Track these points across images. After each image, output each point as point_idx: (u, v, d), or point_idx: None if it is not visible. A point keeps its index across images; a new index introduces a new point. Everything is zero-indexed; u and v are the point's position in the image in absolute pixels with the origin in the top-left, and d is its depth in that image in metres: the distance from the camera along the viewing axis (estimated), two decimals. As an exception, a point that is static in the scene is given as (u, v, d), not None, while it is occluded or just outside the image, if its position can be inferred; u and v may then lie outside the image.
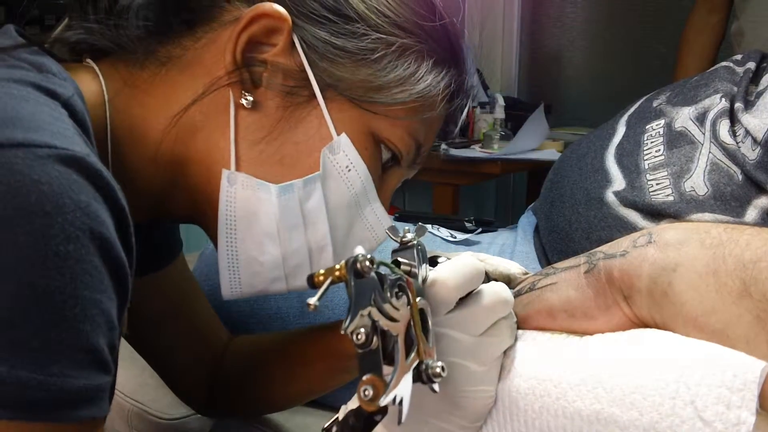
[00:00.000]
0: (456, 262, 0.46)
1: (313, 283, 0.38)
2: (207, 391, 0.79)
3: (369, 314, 0.37)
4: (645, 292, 0.45)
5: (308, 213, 0.56)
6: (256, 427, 0.89)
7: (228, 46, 0.54)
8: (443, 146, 2.10)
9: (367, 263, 0.37)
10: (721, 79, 0.75)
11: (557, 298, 0.50)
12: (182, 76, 0.55)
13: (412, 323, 0.40)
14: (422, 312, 0.42)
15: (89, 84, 0.54)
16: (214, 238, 0.58)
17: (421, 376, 0.40)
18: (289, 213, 0.56)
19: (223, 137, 0.55)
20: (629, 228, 0.71)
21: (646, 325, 0.47)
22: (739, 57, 0.80)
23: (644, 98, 0.84)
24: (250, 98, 0.55)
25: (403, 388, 0.38)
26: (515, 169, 2.38)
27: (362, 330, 0.37)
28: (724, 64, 0.80)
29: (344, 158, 0.56)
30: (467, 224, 1.00)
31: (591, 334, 0.49)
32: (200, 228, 0.62)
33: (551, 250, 0.84)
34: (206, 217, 0.58)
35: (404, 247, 0.47)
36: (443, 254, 0.55)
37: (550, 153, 2.12)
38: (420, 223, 0.49)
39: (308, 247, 0.57)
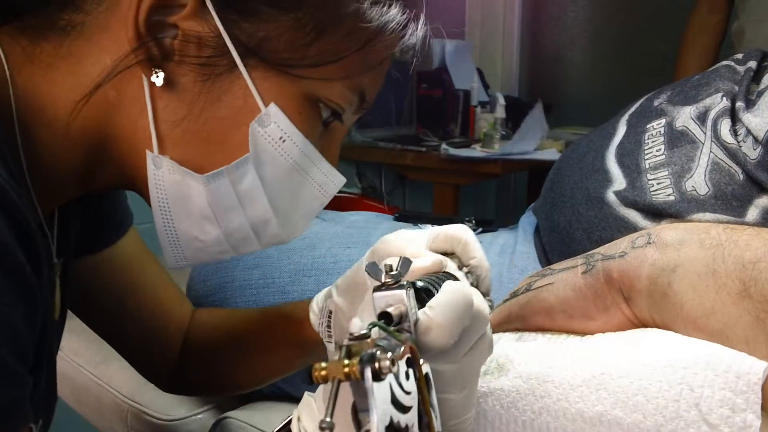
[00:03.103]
0: (447, 298, 0.39)
1: (311, 379, 0.32)
2: (172, 366, 0.77)
3: (390, 419, 0.32)
4: (645, 293, 0.45)
5: (243, 194, 0.53)
6: (255, 428, 0.89)
7: (129, 15, 0.48)
8: (444, 146, 2.10)
9: (387, 363, 0.31)
10: (722, 78, 0.75)
11: (555, 298, 0.49)
12: (88, 46, 0.50)
13: (420, 399, 0.35)
14: (426, 377, 0.37)
15: None
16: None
17: None
18: (222, 197, 0.53)
19: (142, 116, 0.51)
20: (630, 228, 0.70)
21: (645, 326, 0.47)
22: (740, 56, 0.80)
23: (645, 97, 0.84)
24: (162, 75, 0.50)
25: None
26: (515, 169, 2.38)
27: None
28: (725, 63, 0.79)
29: (276, 129, 0.52)
30: (467, 224, 1.00)
31: (591, 334, 0.49)
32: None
33: (552, 250, 0.84)
34: (139, 190, 0.55)
35: (388, 286, 0.39)
36: (409, 254, 0.50)
37: (551, 153, 2.12)
38: (404, 257, 0.42)
39: (250, 223, 0.55)
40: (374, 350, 0.31)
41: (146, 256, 0.75)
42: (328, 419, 0.29)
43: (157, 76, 0.49)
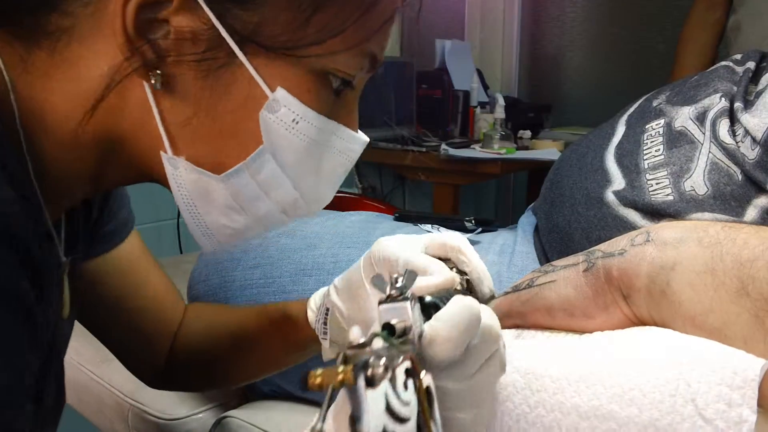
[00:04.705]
0: (453, 311, 0.39)
1: (307, 385, 0.32)
2: (162, 363, 0.78)
3: (384, 428, 0.31)
4: (644, 291, 0.45)
5: (265, 183, 0.53)
6: (256, 427, 0.89)
7: (116, 19, 0.46)
8: (443, 146, 2.10)
9: (381, 370, 0.31)
10: (720, 79, 0.76)
11: (556, 296, 0.50)
12: (82, 50, 0.48)
13: (420, 410, 0.34)
14: (428, 390, 0.36)
15: None
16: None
17: None
18: (244, 190, 0.53)
19: (149, 119, 0.49)
20: (629, 228, 0.71)
21: (644, 325, 0.47)
22: (738, 56, 0.80)
23: (644, 98, 0.84)
24: (160, 78, 0.48)
25: None
26: (515, 169, 2.38)
27: None
28: (723, 63, 0.80)
29: (288, 113, 0.50)
30: (467, 224, 1.00)
31: (590, 332, 0.49)
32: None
33: (551, 249, 0.84)
34: (158, 182, 0.54)
35: (393, 298, 0.39)
36: (420, 263, 0.53)
37: (551, 153, 2.12)
38: (409, 270, 0.41)
39: (278, 207, 0.55)
40: (368, 357, 0.31)
41: (146, 258, 0.75)
42: (319, 425, 0.29)
43: (156, 81, 0.48)
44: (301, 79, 0.50)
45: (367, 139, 0.57)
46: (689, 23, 1.82)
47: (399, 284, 0.39)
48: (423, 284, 0.48)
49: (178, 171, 0.51)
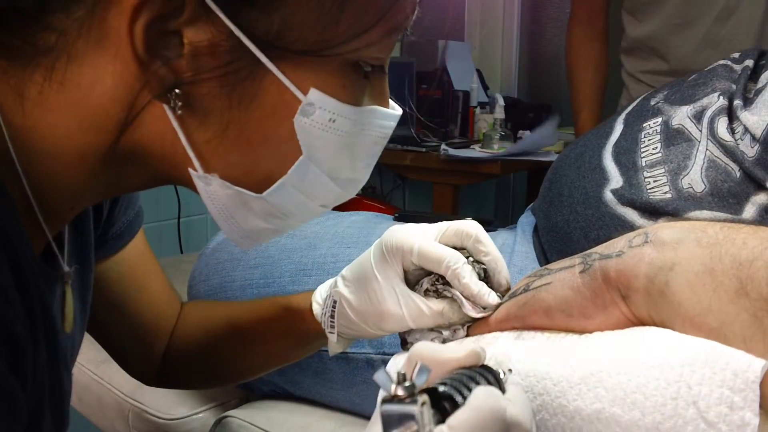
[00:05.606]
0: (471, 416, 0.34)
1: None
2: (159, 361, 0.77)
3: None
4: (642, 292, 0.45)
5: (307, 188, 0.50)
6: (256, 427, 0.90)
7: (122, 41, 0.42)
8: (443, 146, 2.10)
9: None
10: (719, 78, 0.76)
11: (553, 298, 0.49)
12: (82, 69, 0.44)
13: None
14: None
15: None
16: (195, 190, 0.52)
17: None
18: (286, 200, 0.50)
19: (176, 139, 0.46)
20: (627, 226, 0.71)
21: (644, 324, 0.47)
22: (737, 55, 0.80)
23: (642, 97, 0.84)
24: (180, 101, 0.44)
25: None
26: (515, 169, 2.39)
27: None
28: (722, 62, 0.80)
29: (323, 113, 0.47)
30: (467, 224, 1.00)
31: (589, 333, 0.49)
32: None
33: (550, 249, 0.84)
34: (186, 187, 0.52)
35: (400, 399, 0.34)
36: (435, 253, 0.53)
37: (550, 153, 2.13)
38: (422, 364, 0.35)
39: (319, 204, 0.53)
40: None
41: (147, 258, 0.73)
42: None
43: (175, 103, 0.44)
44: (334, 76, 0.47)
45: (401, 111, 0.54)
46: (575, 40, 1.76)
47: (407, 382, 0.34)
48: (439, 357, 0.40)
49: (211, 187, 0.49)
